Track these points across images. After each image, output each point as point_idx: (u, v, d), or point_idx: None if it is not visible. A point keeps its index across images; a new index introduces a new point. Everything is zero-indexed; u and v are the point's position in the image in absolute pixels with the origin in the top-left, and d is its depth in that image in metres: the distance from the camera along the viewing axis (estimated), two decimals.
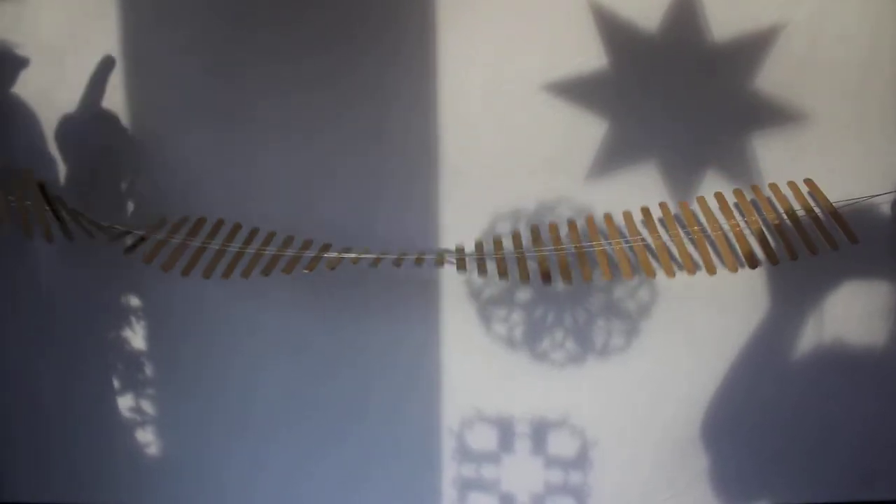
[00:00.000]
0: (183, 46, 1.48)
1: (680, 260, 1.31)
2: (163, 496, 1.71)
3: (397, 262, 1.33)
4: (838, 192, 1.38)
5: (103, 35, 1.48)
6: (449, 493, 1.65)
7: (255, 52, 1.46)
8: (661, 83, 1.43)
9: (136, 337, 1.63)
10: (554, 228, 1.40)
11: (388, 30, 1.44)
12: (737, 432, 1.59)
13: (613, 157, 1.45)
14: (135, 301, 1.62)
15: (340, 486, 1.67)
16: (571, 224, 1.40)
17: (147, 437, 1.68)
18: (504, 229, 1.49)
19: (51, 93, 1.50)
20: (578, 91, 1.43)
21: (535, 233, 1.40)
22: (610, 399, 1.57)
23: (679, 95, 1.43)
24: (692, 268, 1.30)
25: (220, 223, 1.41)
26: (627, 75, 1.42)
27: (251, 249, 1.36)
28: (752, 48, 1.39)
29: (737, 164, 1.44)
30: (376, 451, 1.64)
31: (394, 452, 1.64)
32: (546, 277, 1.31)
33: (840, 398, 1.58)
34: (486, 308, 1.55)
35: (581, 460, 1.61)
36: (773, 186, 1.35)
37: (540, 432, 1.60)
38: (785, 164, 1.41)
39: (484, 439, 1.62)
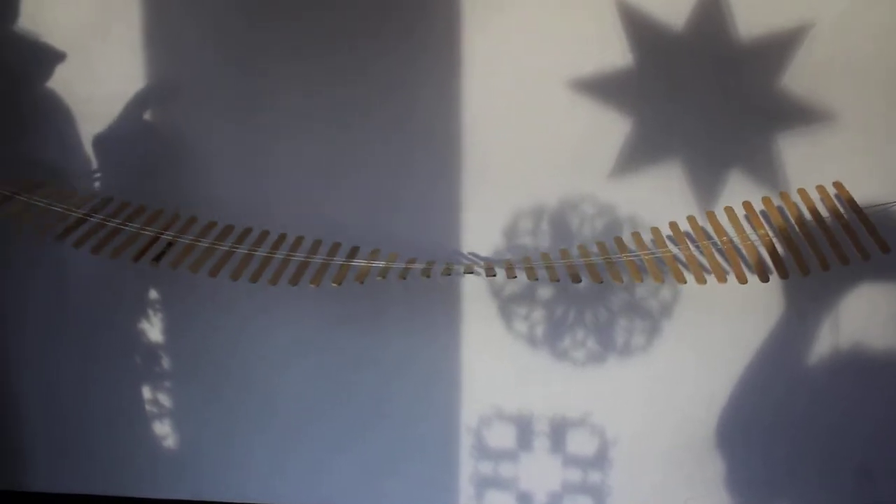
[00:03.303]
0: (207, 39, 1.48)
1: (709, 267, 1.30)
2: (184, 489, 1.72)
3: (426, 273, 1.30)
4: (865, 194, 1.36)
5: (126, 26, 1.48)
6: (466, 490, 1.65)
7: (280, 46, 1.47)
8: (686, 82, 1.42)
9: (158, 331, 1.64)
10: (582, 249, 1.38)
11: (414, 27, 1.44)
12: (759, 436, 1.58)
13: (637, 156, 1.45)
14: (158, 294, 1.63)
15: (360, 482, 1.67)
16: (600, 244, 1.38)
17: (169, 430, 1.69)
18: (526, 226, 1.49)
19: (73, 84, 1.51)
20: (603, 89, 1.42)
21: (565, 253, 1.39)
22: (630, 398, 1.57)
23: (704, 94, 1.42)
24: (722, 275, 1.29)
25: (247, 231, 1.38)
26: (652, 74, 1.41)
27: (280, 255, 1.33)
28: (780, 47, 1.38)
29: (762, 165, 1.43)
30: (396, 447, 1.64)
31: (413, 449, 1.64)
32: (576, 279, 1.30)
33: (859, 404, 1.56)
34: (507, 306, 1.54)
35: (600, 460, 1.61)
36: (802, 192, 1.34)
37: (559, 431, 1.60)
38: (811, 166, 1.40)
39: (503, 437, 1.61)
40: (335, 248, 1.35)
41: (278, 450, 1.67)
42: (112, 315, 1.64)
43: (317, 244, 1.36)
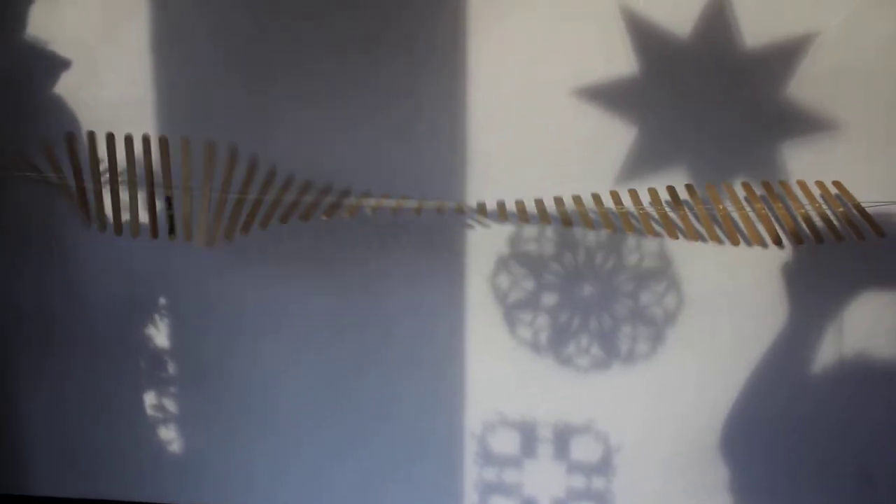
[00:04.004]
0: (214, 46, 1.49)
1: (704, 232, 1.32)
2: (187, 493, 1.72)
3: (417, 210, 1.34)
4: (869, 202, 1.38)
5: (134, 33, 1.49)
6: (471, 496, 1.65)
7: (288, 53, 1.47)
8: (691, 90, 1.42)
9: (162, 334, 1.64)
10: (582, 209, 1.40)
11: (419, 35, 1.44)
12: (761, 442, 1.58)
13: (642, 164, 1.45)
14: (160, 298, 1.63)
15: (363, 488, 1.68)
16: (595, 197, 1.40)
17: (171, 435, 1.69)
18: (531, 233, 1.50)
19: (79, 88, 1.52)
20: (608, 97, 1.43)
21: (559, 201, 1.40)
22: (634, 405, 1.57)
23: (709, 103, 1.42)
24: (716, 237, 1.30)
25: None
26: (657, 82, 1.41)
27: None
28: (785, 56, 1.38)
29: (766, 173, 1.43)
30: (399, 453, 1.64)
31: (416, 455, 1.64)
32: (567, 223, 1.35)
33: (861, 411, 1.56)
34: (511, 312, 1.55)
35: (604, 466, 1.61)
36: (801, 183, 1.35)
37: (563, 437, 1.60)
38: (816, 175, 1.40)
39: (506, 443, 1.62)
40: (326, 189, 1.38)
41: (281, 455, 1.68)
42: (115, 320, 1.65)
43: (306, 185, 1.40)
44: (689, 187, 1.38)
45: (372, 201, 1.36)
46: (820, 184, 1.36)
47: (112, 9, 1.49)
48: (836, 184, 1.35)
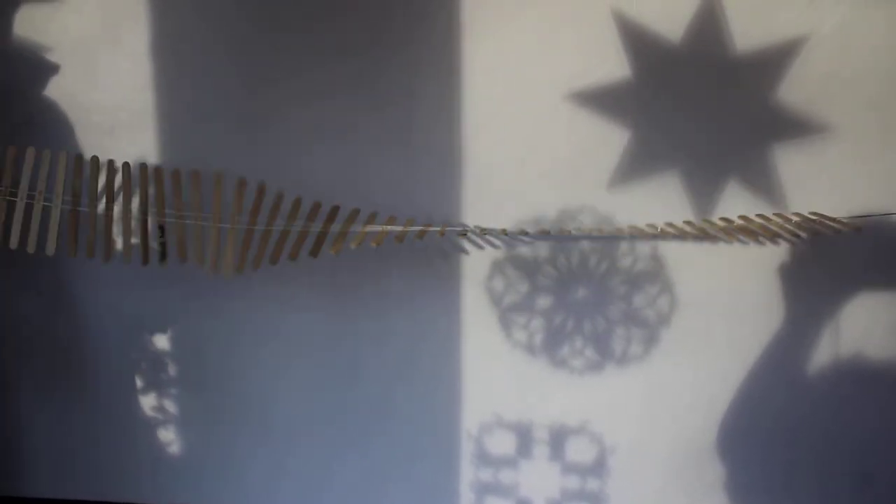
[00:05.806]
0: (214, 50, 1.50)
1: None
2: (185, 495, 1.73)
3: (420, 235, 1.36)
4: (861, 204, 1.38)
5: (135, 37, 1.51)
6: (467, 496, 1.66)
7: (286, 57, 1.49)
8: (684, 94, 1.43)
9: (161, 338, 1.65)
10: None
11: (414, 38, 1.45)
12: (757, 442, 1.59)
13: (636, 167, 1.46)
14: (158, 301, 1.64)
15: (360, 489, 1.69)
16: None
17: (170, 437, 1.70)
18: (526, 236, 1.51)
19: (81, 94, 1.53)
20: (602, 100, 1.43)
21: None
22: (628, 406, 1.58)
23: (702, 106, 1.43)
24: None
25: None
26: (651, 85, 1.42)
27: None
28: (777, 60, 1.39)
29: (759, 176, 1.44)
30: (396, 454, 1.66)
31: (413, 456, 1.65)
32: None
33: (858, 411, 1.56)
34: (506, 315, 1.56)
35: (599, 467, 1.62)
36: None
37: (558, 438, 1.61)
38: (808, 177, 1.41)
39: (502, 444, 1.63)
40: (333, 211, 1.40)
41: (280, 456, 1.69)
42: (114, 323, 1.66)
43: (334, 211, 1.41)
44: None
45: (377, 227, 1.38)
46: (797, 216, 1.38)
47: (112, 13, 1.50)
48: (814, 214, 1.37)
